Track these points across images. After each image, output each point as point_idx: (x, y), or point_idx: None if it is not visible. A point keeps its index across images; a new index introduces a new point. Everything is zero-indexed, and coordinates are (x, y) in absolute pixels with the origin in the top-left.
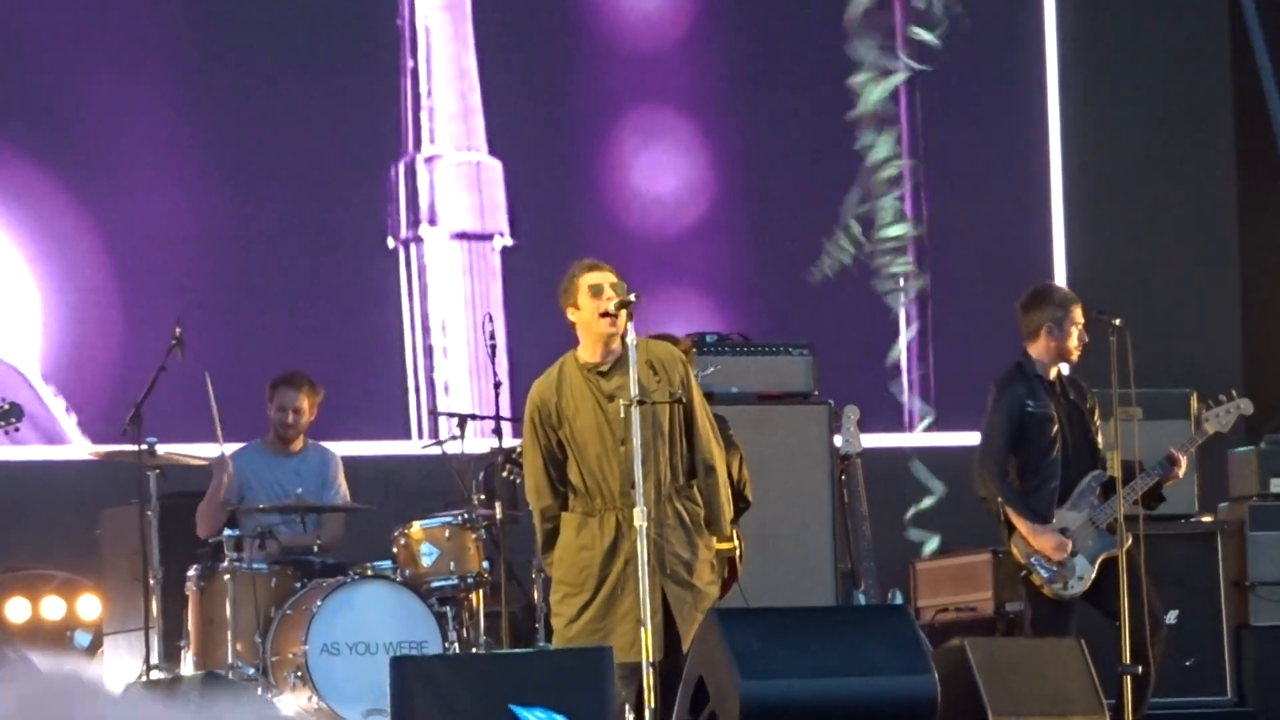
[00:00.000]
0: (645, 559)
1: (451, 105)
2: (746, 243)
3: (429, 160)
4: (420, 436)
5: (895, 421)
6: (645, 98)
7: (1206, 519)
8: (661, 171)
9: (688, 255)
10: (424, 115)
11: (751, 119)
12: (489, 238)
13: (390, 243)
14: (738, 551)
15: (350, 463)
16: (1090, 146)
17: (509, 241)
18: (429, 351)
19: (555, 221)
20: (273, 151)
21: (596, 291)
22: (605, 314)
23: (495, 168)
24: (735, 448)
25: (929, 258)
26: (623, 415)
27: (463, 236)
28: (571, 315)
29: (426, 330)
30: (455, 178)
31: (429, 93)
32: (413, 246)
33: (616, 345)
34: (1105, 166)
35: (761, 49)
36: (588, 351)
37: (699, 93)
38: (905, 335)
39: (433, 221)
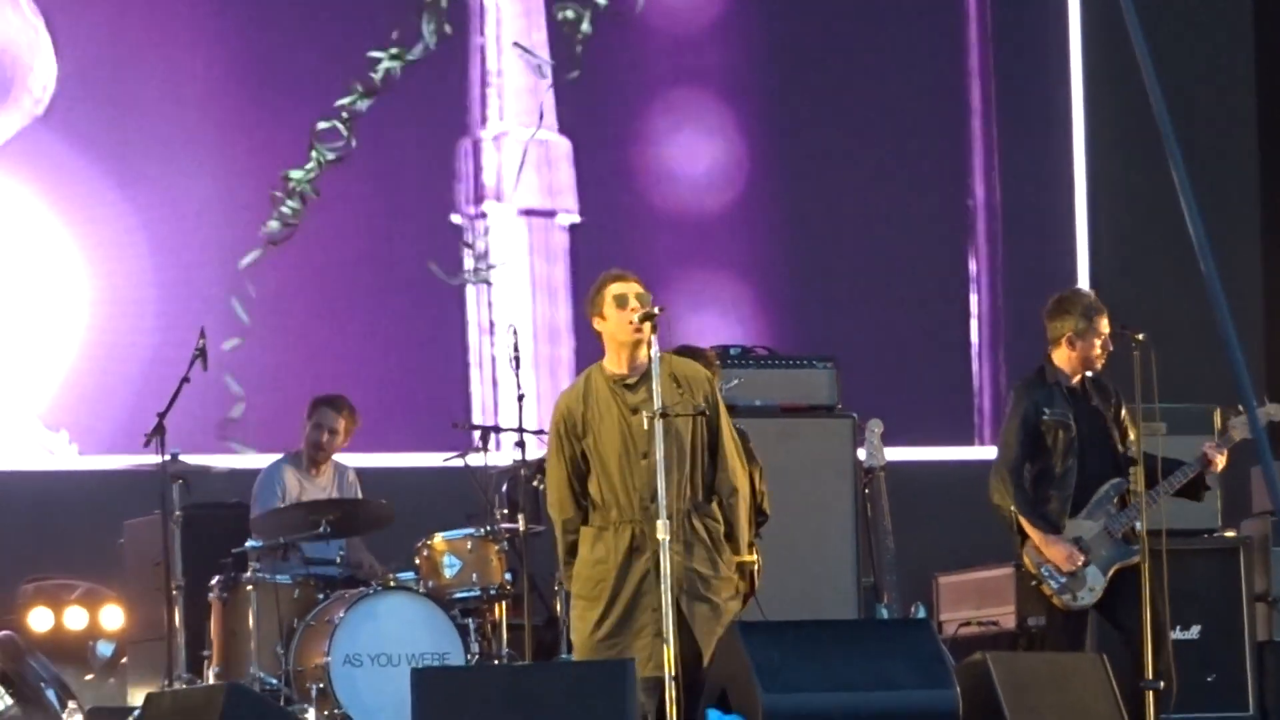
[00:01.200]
0: (668, 572)
1: (519, 83)
2: (778, 244)
3: (496, 137)
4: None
5: (922, 433)
6: (684, 78)
7: (1229, 534)
8: (697, 154)
9: (712, 256)
10: (492, 93)
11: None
12: (554, 214)
13: (455, 219)
14: (756, 565)
15: (375, 475)
16: (1114, 158)
17: (576, 219)
18: (493, 329)
19: (621, 201)
20: (334, 131)
21: (622, 302)
22: (630, 324)
23: (562, 145)
24: (755, 461)
25: (989, 253)
26: (646, 428)
27: (530, 212)
28: (597, 325)
29: (490, 304)
30: (522, 154)
31: (498, 71)
32: (478, 223)
33: (643, 358)
34: (1128, 179)
35: (798, 31)
36: (614, 363)
37: (739, 77)
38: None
39: (499, 198)
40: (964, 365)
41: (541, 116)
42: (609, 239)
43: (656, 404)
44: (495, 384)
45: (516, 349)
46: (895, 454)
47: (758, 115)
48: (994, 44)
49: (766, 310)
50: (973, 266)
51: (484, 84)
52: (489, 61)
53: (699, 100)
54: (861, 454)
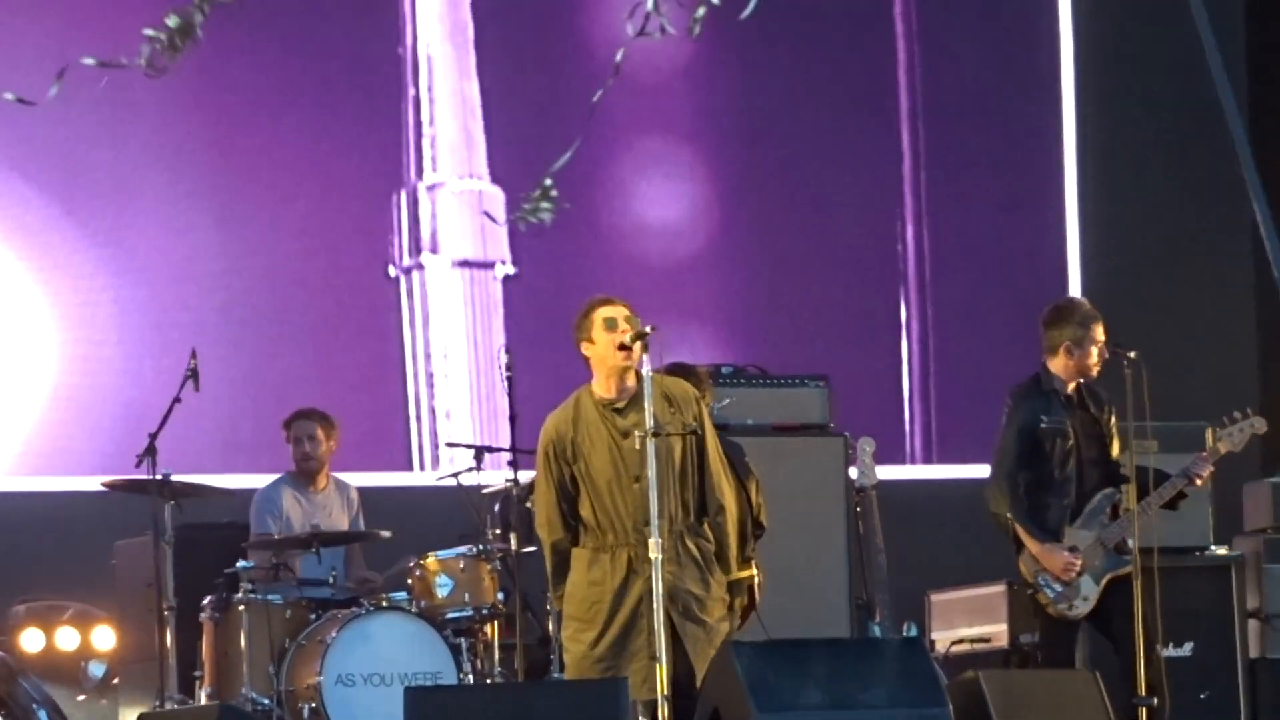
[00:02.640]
0: (659, 591)
1: (453, 133)
2: (756, 270)
3: (431, 188)
4: (422, 467)
5: (898, 453)
6: (650, 125)
7: (1222, 551)
8: (666, 199)
9: (696, 284)
10: (426, 143)
11: (757, 146)
12: (490, 266)
13: (392, 271)
14: (757, 580)
15: (367, 494)
16: (1106, 174)
17: (511, 269)
18: (430, 379)
19: (559, 250)
20: (274, 181)
21: (611, 325)
22: (622, 346)
23: (497, 196)
24: (750, 473)
25: (938, 283)
26: (638, 447)
27: (464, 264)
28: (586, 350)
29: (428, 358)
30: (457, 206)
31: (431, 120)
32: (414, 274)
33: (632, 382)
34: (1120, 194)
35: (767, 76)
36: (603, 387)
37: (702, 120)
38: (906, 365)
39: (434, 249)
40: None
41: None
42: (558, 291)
43: (648, 423)
44: (435, 434)
45: (510, 368)
46: (886, 473)
47: (727, 160)
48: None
49: (754, 332)
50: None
51: (418, 135)
52: (422, 112)
53: (666, 146)
54: (853, 473)
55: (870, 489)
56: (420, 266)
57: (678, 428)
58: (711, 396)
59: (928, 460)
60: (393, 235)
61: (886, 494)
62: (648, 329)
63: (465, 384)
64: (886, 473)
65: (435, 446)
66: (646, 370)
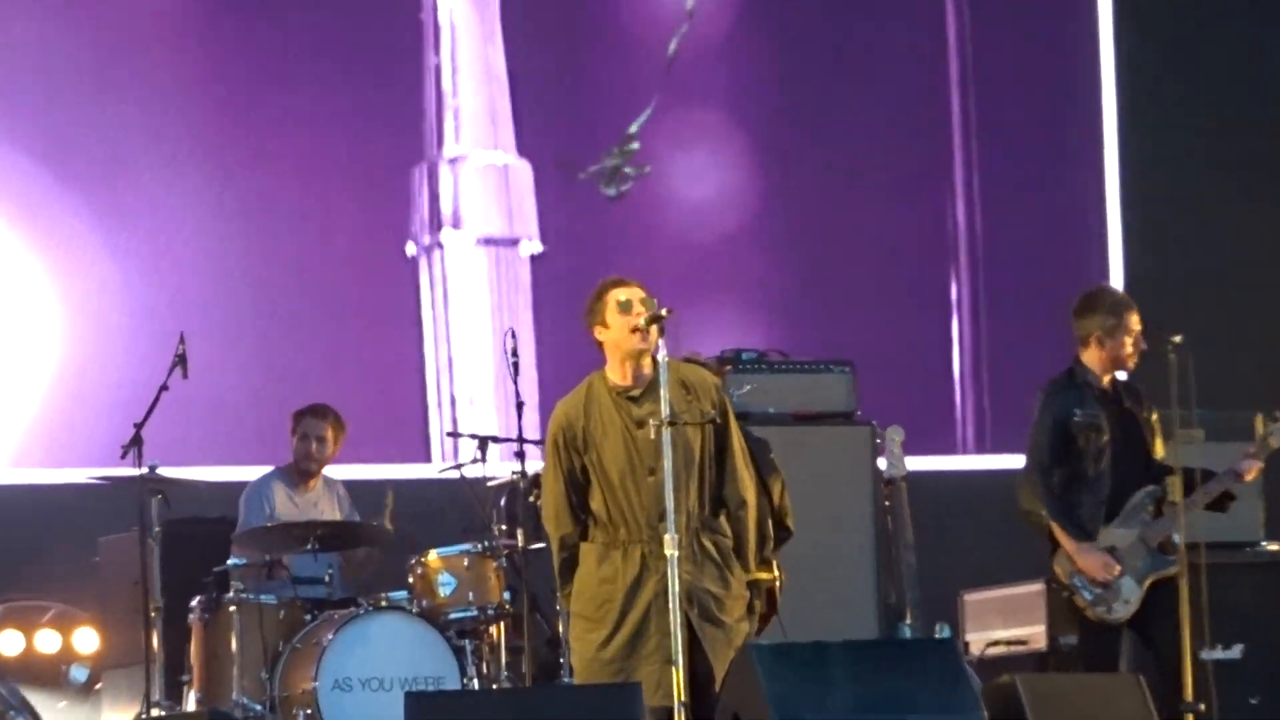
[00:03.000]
0: (676, 590)
1: (477, 104)
2: (794, 250)
3: (453, 161)
4: (443, 459)
5: (943, 443)
6: (682, 98)
7: (1273, 547)
8: (703, 175)
9: (725, 265)
10: (448, 114)
11: (794, 122)
12: (516, 243)
13: (410, 249)
14: (778, 583)
15: (361, 487)
16: (1148, 149)
17: (538, 247)
18: (451, 365)
19: (590, 227)
20: (284, 155)
21: (625, 307)
22: (636, 329)
23: (524, 170)
24: (777, 473)
25: (978, 266)
26: (653, 437)
27: (488, 242)
28: (599, 334)
29: (449, 342)
30: (480, 180)
31: (453, 90)
32: (435, 253)
33: (648, 368)
34: (1163, 171)
35: (808, 45)
36: (617, 373)
37: (741, 92)
38: (957, 348)
39: (456, 226)
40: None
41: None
42: (577, 268)
43: (664, 411)
44: (455, 422)
45: (515, 354)
46: (916, 463)
47: (763, 135)
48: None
49: (778, 319)
50: (960, 279)
51: (439, 105)
52: (444, 81)
53: (701, 119)
54: (881, 464)
55: (900, 480)
56: (440, 245)
57: (695, 417)
58: (726, 389)
59: (980, 449)
60: (412, 211)
61: (926, 486)
62: (664, 312)
63: (489, 370)
64: (934, 463)
65: (456, 436)
66: (662, 355)
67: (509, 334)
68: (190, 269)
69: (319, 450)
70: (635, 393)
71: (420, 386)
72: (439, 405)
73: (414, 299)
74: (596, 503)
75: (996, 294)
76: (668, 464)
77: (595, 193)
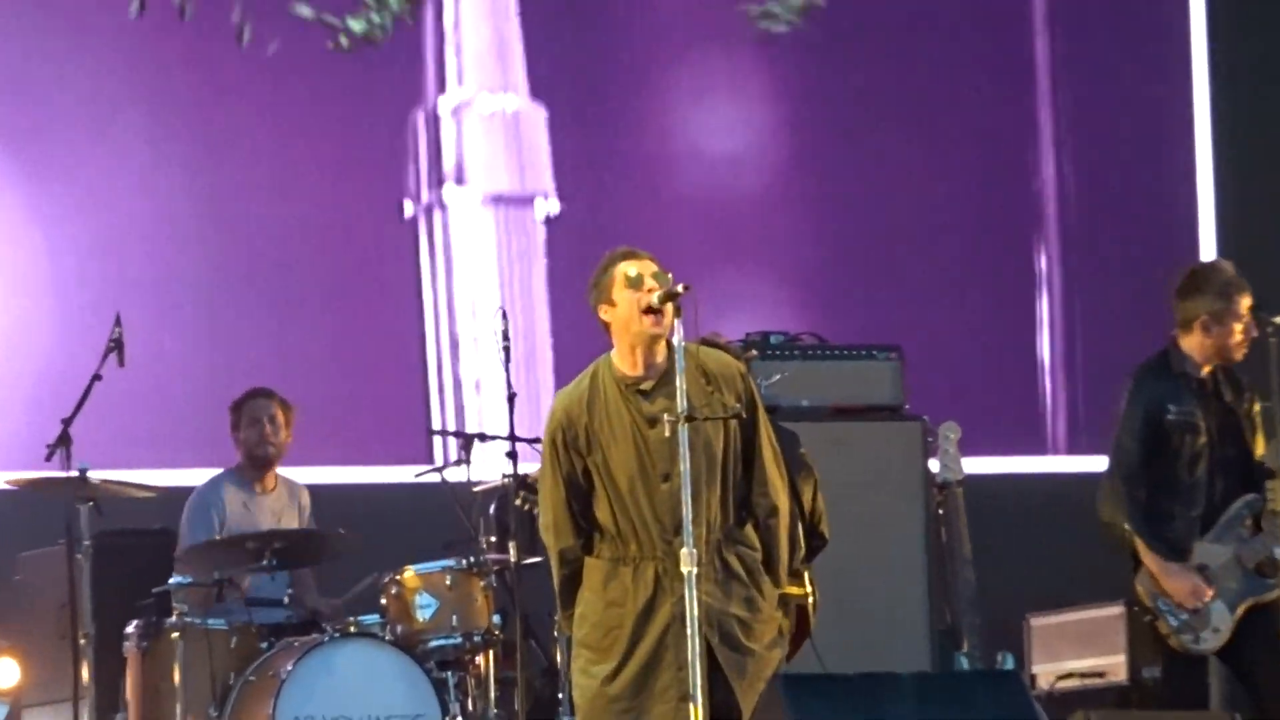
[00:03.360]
0: (695, 614)
1: (483, 40)
2: (826, 218)
3: (456, 108)
4: (447, 456)
5: (1004, 441)
6: (718, 35)
7: None
8: (723, 128)
9: (758, 230)
10: (449, 52)
11: (843, 64)
12: (529, 201)
13: (408, 209)
14: (810, 600)
15: (325, 493)
16: (1243, 111)
17: (555, 207)
18: (455, 343)
19: (613, 183)
20: (253, 97)
21: (635, 283)
22: (649, 310)
23: (537, 116)
24: (808, 471)
25: (1084, 232)
26: (668, 435)
27: (497, 201)
28: (605, 315)
29: (452, 316)
30: (487, 128)
31: (455, 25)
32: (435, 213)
33: (662, 355)
34: (1263, 137)
35: None
36: (625, 361)
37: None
38: (1047, 333)
39: (460, 181)
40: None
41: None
42: (599, 230)
43: (680, 405)
44: (460, 409)
45: (506, 336)
46: (974, 465)
47: (802, 80)
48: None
49: (812, 298)
50: (1047, 251)
51: (439, 42)
52: (445, 15)
53: (718, 61)
54: (934, 465)
55: (955, 485)
56: (442, 203)
57: (717, 411)
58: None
59: (1074, 450)
60: (408, 164)
61: (986, 491)
62: (680, 288)
63: (496, 341)
64: (993, 465)
65: (461, 426)
66: (678, 340)
67: (499, 313)
68: (130, 236)
69: (273, 432)
70: (646, 385)
71: (421, 369)
72: (439, 388)
73: (412, 268)
74: (603, 513)
75: (1102, 267)
76: (685, 467)
77: (620, 143)
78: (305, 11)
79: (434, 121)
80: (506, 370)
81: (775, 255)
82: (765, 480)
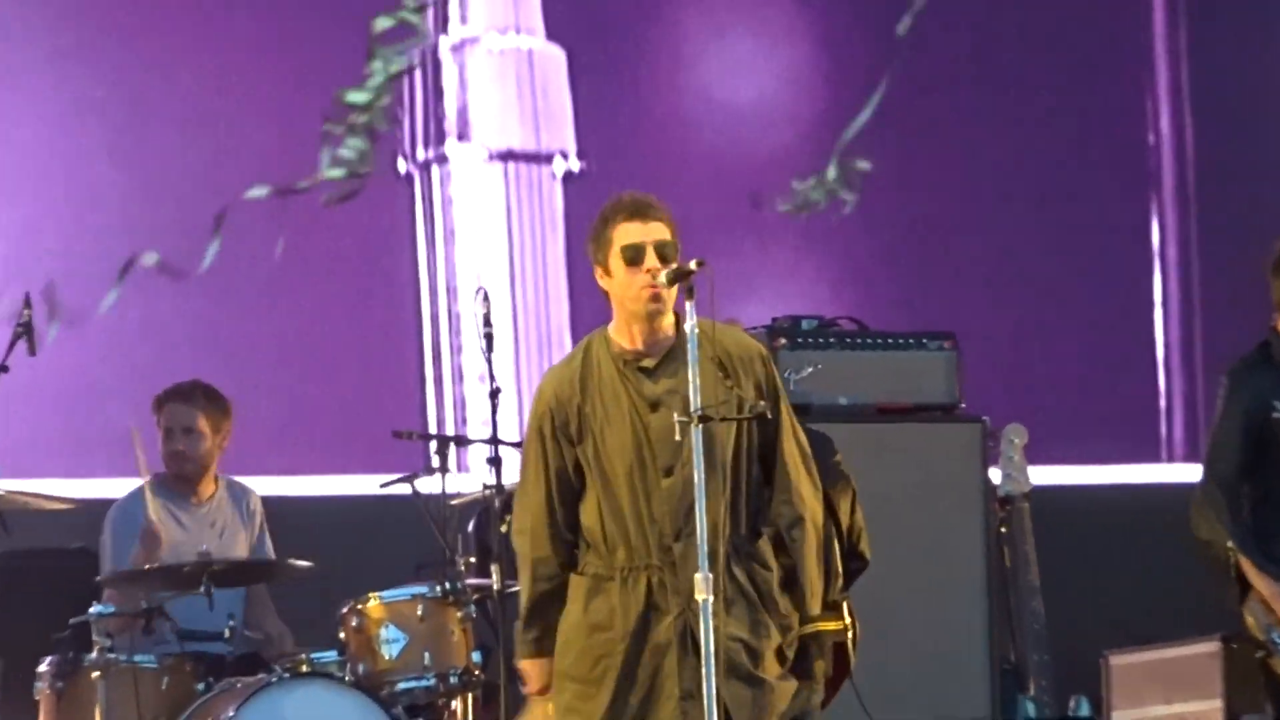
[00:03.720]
0: (711, 647)
1: None
2: (872, 185)
3: (458, 47)
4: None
5: (1075, 447)
6: None
7: None
8: (740, 75)
9: (776, 199)
10: None
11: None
12: (546, 159)
13: (402, 166)
14: (850, 634)
15: (278, 506)
16: None
17: (575, 164)
18: (457, 323)
19: (642, 138)
20: (206, 26)
21: (634, 257)
22: (650, 290)
23: (556, 58)
24: (845, 481)
25: (1206, 201)
26: (678, 437)
27: (508, 157)
28: (601, 281)
29: (453, 291)
30: (497, 71)
31: None
32: (434, 170)
33: (668, 329)
34: None
35: None
36: (624, 335)
37: None
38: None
39: (464, 136)
40: (1141, 350)
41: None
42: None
43: (693, 403)
44: (461, 404)
45: (489, 321)
46: (1042, 475)
47: (840, 23)
48: None
49: (850, 276)
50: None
51: None
52: None
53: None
54: (995, 475)
55: (1021, 499)
56: (444, 159)
57: (733, 406)
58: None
59: (1160, 457)
60: (403, 114)
61: (1057, 505)
62: (693, 265)
63: (509, 328)
64: (1063, 475)
65: (463, 424)
66: (691, 324)
67: (480, 295)
68: (44, 200)
69: (190, 446)
70: (649, 362)
71: (417, 354)
72: (437, 379)
73: (405, 237)
74: (589, 515)
75: (1228, 244)
76: (699, 477)
77: (650, 92)
78: None
79: (434, 64)
80: (488, 361)
81: (805, 226)
82: (789, 485)
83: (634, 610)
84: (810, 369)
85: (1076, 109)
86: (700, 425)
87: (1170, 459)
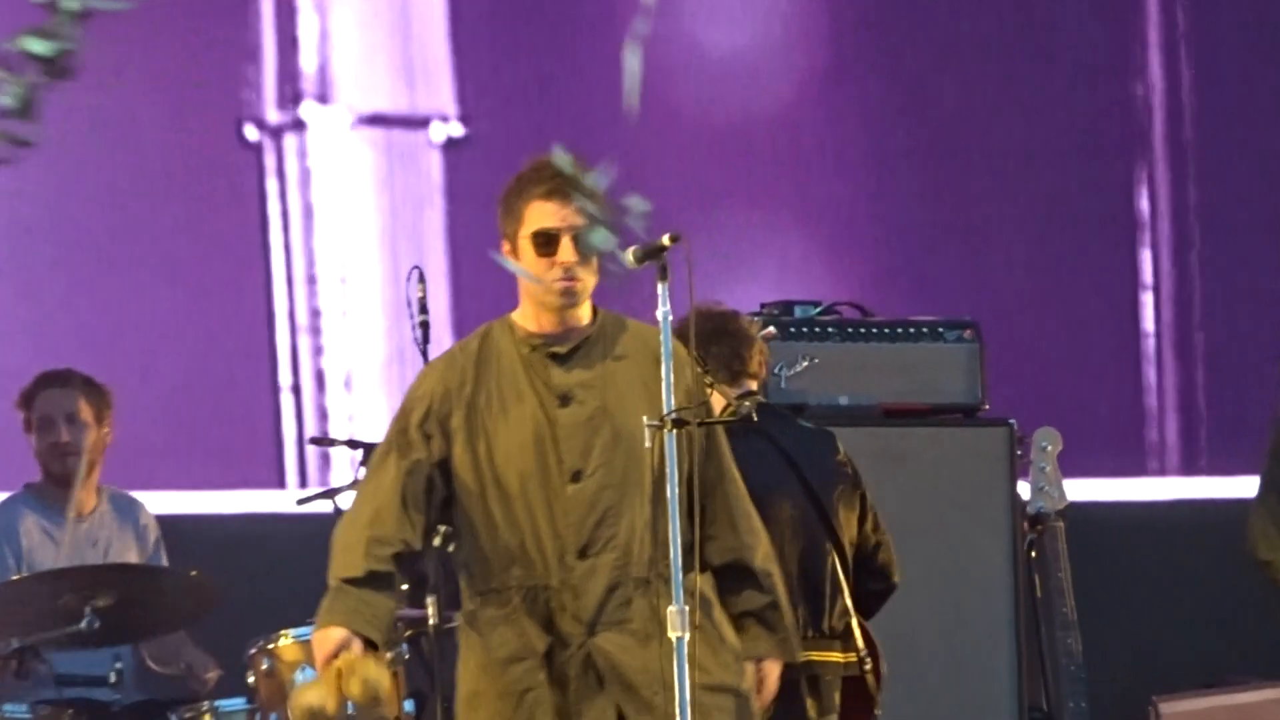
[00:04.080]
0: (687, 695)
1: None
2: (869, 150)
3: None
4: (303, 478)
5: (1122, 458)
6: None
7: None
8: (732, 18)
9: (770, 161)
10: None
11: None
12: (424, 124)
13: (250, 133)
14: (867, 666)
15: (170, 525)
16: None
17: (458, 129)
18: (317, 318)
19: (543, 99)
20: None
21: (545, 244)
22: (565, 283)
23: (433, 6)
24: (849, 485)
25: (1207, 182)
26: (649, 444)
27: (377, 121)
28: (508, 259)
29: (313, 281)
30: (363, 22)
31: None
32: (288, 138)
33: (585, 316)
34: None
35: None
36: (532, 320)
37: None
38: (1152, 313)
39: (324, 97)
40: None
41: None
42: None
43: (666, 401)
44: (323, 415)
45: (424, 308)
46: (1078, 489)
47: None
48: None
49: (851, 255)
50: (1151, 185)
51: None
52: None
53: None
54: (1024, 489)
55: (1054, 517)
56: (300, 125)
57: (655, 412)
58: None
59: (1191, 470)
60: (251, 72)
61: (1095, 525)
62: (664, 240)
63: (379, 325)
64: (1105, 489)
65: (325, 443)
66: (664, 311)
67: (414, 274)
68: None
69: (74, 435)
70: (561, 348)
71: (269, 356)
72: (294, 387)
73: (256, 212)
74: (472, 532)
75: (1230, 231)
76: (673, 491)
77: (551, 42)
78: None
79: (287, 13)
80: (424, 353)
81: (802, 196)
82: (730, 519)
83: (541, 634)
84: (805, 363)
85: (1046, 55)
86: (672, 431)
87: (1162, 471)
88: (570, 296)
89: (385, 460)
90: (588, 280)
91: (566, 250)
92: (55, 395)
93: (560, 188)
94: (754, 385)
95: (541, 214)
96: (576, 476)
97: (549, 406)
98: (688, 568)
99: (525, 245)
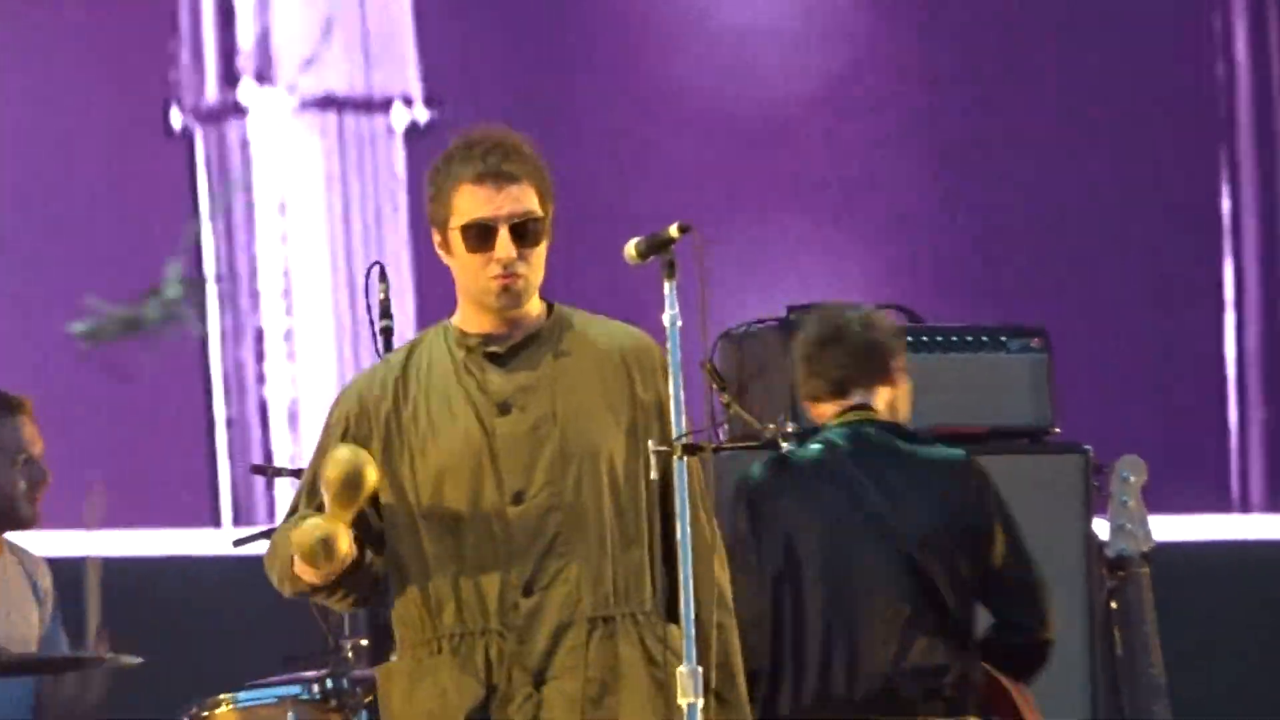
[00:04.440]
0: None
1: None
2: (914, 142)
3: None
4: (238, 515)
5: (1209, 494)
6: None
7: None
8: None
9: (791, 150)
10: None
11: None
12: (383, 107)
13: (177, 120)
14: None
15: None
16: None
17: (422, 114)
18: (259, 336)
19: (522, 75)
20: None
21: (479, 239)
22: (502, 280)
23: None
24: (982, 534)
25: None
26: (654, 474)
27: (328, 104)
28: (442, 255)
29: (255, 295)
30: None
31: None
32: (226, 127)
33: (532, 312)
34: None
35: None
36: (470, 320)
37: None
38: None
39: (265, 78)
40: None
41: None
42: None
43: (674, 422)
44: (267, 446)
45: (387, 311)
46: (1161, 526)
47: None
48: None
49: (894, 253)
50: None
51: None
52: None
53: None
54: (1101, 527)
55: (1139, 560)
56: (239, 110)
57: (616, 421)
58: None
59: (1274, 507)
60: (177, 50)
61: (1180, 566)
62: (672, 232)
63: (329, 339)
64: (1189, 527)
65: (268, 473)
66: (671, 315)
67: (373, 271)
68: None
69: (36, 471)
70: (500, 347)
71: (202, 378)
72: (229, 420)
73: (186, 212)
74: (401, 570)
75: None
76: (685, 526)
77: (528, 11)
78: None
79: None
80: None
81: (838, 186)
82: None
83: (470, 690)
84: None
85: (1115, 32)
86: (683, 458)
87: (1245, 509)
88: (510, 296)
89: (298, 510)
90: (531, 276)
91: (504, 244)
92: (4, 422)
93: (493, 169)
94: (873, 397)
95: (472, 202)
96: (518, 498)
97: (485, 417)
98: (669, 614)
99: (456, 238)
